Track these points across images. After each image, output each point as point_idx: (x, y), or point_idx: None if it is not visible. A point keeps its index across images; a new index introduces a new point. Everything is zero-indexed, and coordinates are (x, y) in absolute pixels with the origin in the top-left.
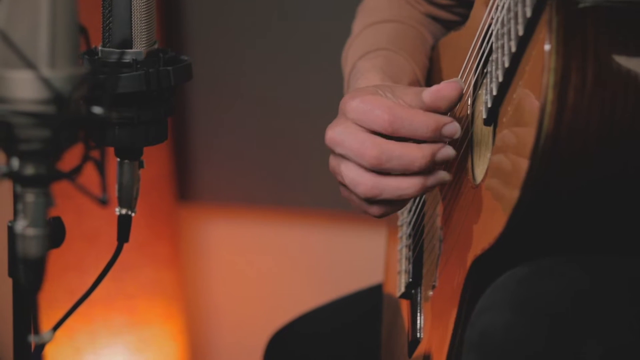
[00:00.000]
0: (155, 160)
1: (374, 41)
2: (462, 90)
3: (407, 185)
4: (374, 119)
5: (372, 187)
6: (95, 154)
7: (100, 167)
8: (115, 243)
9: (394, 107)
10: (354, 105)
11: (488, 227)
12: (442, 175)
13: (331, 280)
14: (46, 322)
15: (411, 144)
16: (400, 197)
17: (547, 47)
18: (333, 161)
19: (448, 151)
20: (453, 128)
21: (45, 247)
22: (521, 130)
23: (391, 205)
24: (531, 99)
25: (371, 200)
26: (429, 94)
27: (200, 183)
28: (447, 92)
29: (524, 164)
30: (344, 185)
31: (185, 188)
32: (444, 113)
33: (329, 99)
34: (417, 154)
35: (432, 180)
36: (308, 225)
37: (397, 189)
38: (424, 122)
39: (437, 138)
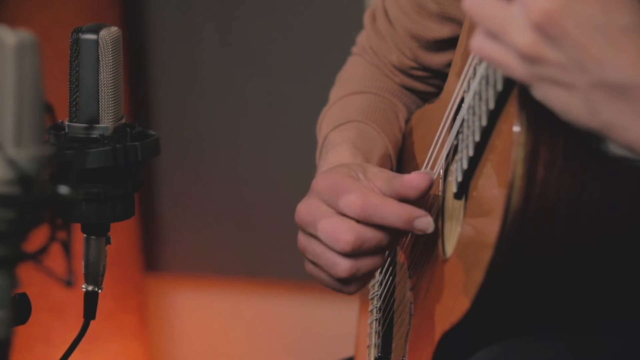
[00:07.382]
0: (122, 230)
1: (346, 113)
2: (433, 181)
3: (380, 259)
4: (348, 203)
5: (350, 267)
6: (61, 234)
7: (66, 248)
8: (82, 315)
9: (368, 195)
10: (326, 187)
11: (456, 302)
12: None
13: (302, 353)
14: None
15: (383, 230)
16: (375, 270)
17: (516, 121)
18: (303, 239)
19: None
20: (425, 223)
21: (10, 329)
22: (489, 205)
23: (364, 279)
24: (500, 173)
25: (346, 280)
26: (400, 183)
27: (167, 253)
28: (417, 182)
29: (490, 242)
30: (314, 263)
31: (152, 258)
32: (414, 201)
33: (296, 171)
34: (389, 238)
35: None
36: (277, 297)
37: (372, 264)
38: (396, 213)
39: (408, 229)
